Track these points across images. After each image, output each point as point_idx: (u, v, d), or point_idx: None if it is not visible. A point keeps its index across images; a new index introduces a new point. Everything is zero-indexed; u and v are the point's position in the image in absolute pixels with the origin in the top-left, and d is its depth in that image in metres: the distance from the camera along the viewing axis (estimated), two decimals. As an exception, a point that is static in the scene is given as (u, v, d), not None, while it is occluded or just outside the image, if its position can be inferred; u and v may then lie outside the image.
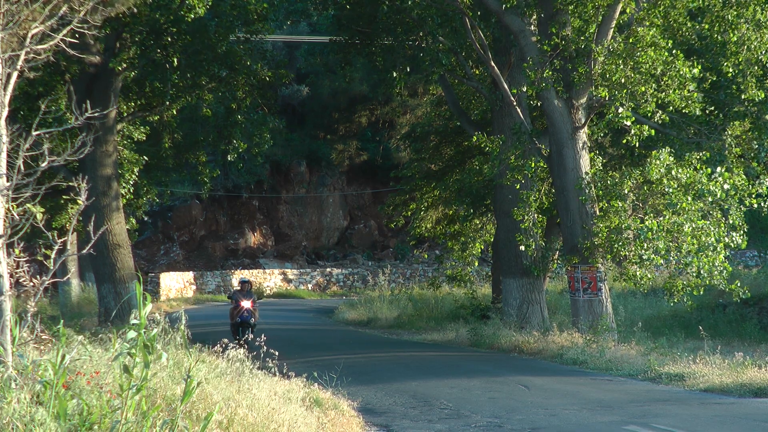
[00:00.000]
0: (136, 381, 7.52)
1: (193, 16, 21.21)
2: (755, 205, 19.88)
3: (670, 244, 19.28)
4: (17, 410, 7.25)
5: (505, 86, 21.68)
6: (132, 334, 7.45)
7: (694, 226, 19.17)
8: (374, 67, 27.36)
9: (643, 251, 19.12)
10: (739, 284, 19.66)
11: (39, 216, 8.21)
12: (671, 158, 19.82)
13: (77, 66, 21.49)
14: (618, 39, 19.60)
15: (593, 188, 20.24)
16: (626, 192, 19.84)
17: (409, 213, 32.05)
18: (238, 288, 21.67)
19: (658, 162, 19.64)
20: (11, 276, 8.29)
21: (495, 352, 21.09)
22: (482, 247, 30.37)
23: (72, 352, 8.17)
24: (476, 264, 31.05)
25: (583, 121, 20.48)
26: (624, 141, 20.96)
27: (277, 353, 11.45)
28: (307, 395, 11.89)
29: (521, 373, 16.69)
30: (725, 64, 20.16)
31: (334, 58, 27.40)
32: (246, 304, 20.82)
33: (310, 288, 49.88)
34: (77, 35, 10.38)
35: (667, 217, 19.36)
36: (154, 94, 24.73)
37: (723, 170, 19.71)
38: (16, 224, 8.26)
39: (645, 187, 20.27)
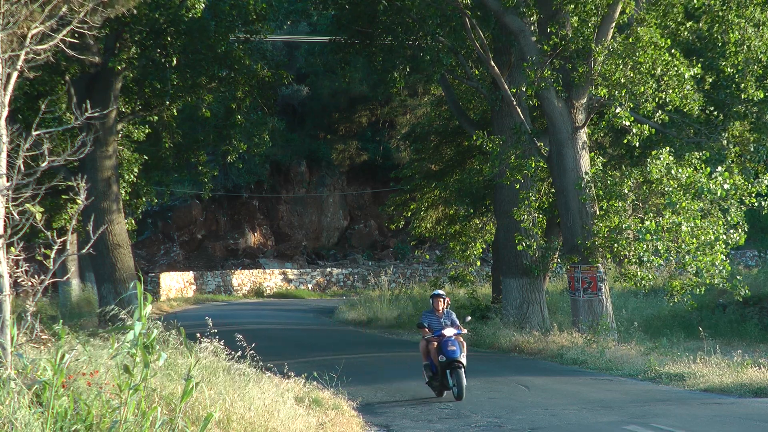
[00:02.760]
0: (135, 381, 7.52)
1: (191, 15, 21.19)
2: (755, 205, 19.89)
3: (670, 243, 19.28)
4: (16, 411, 7.24)
5: (505, 86, 21.67)
6: (131, 334, 7.46)
7: (692, 225, 19.18)
8: (374, 67, 27.35)
9: (642, 252, 19.13)
10: (740, 280, 19.67)
11: (38, 216, 8.20)
12: (671, 158, 19.82)
13: (77, 66, 21.47)
14: (618, 39, 19.60)
15: (593, 188, 20.24)
16: (626, 192, 19.84)
17: (410, 213, 32.03)
18: (430, 309, 14.72)
19: (658, 162, 19.64)
20: (10, 276, 8.29)
21: (495, 352, 21.09)
22: (483, 247, 30.36)
23: (72, 352, 8.17)
24: (478, 264, 31.05)
25: (583, 121, 20.48)
26: (624, 141, 20.96)
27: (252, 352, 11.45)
28: (307, 395, 11.90)
29: (521, 373, 16.68)
30: (724, 63, 20.16)
31: (334, 58, 27.37)
32: (449, 331, 13.97)
33: (310, 288, 49.88)
34: (77, 35, 10.38)
35: (667, 216, 19.37)
36: (153, 94, 24.72)
37: (723, 170, 19.73)
38: (16, 224, 8.26)
39: (645, 187, 20.27)
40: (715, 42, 20.33)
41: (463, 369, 13.65)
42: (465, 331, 14.37)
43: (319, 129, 54.77)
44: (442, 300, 14.53)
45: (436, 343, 13.91)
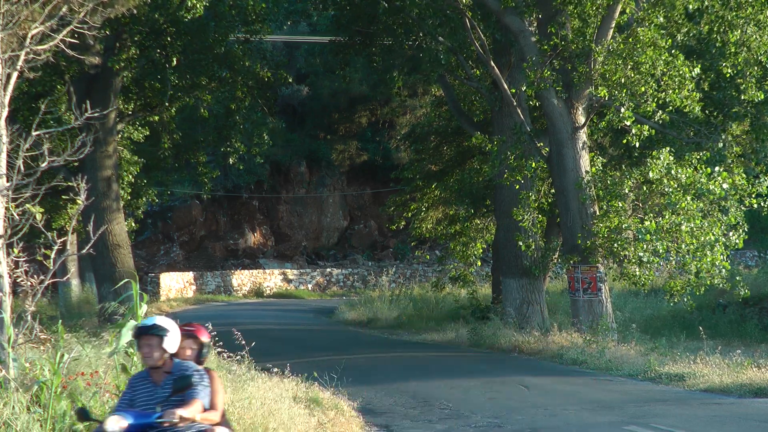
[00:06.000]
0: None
1: (191, 16, 21.20)
2: (755, 205, 19.90)
3: (670, 244, 19.29)
4: (15, 412, 7.24)
5: (505, 86, 21.67)
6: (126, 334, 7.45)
7: (692, 225, 19.19)
8: (374, 67, 27.34)
9: (642, 252, 19.13)
10: (740, 280, 19.67)
11: (38, 216, 8.21)
12: (671, 158, 19.82)
13: (77, 66, 21.47)
14: (618, 39, 19.59)
15: (593, 188, 20.24)
16: (626, 192, 19.84)
17: (410, 213, 32.02)
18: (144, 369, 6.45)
19: (658, 162, 19.64)
20: (10, 276, 8.29)
21: (495, 352, 21.09)
22: (483, 248, 30.35)
23: (71, 353, 8.16)
24: (478, 264, 31.03)
25: (583, 121, 20.48)
26: (624, 141, 20.96)
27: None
28: (307, 395, 11.90)
29: (521, 373, 16.68)
30: (724, 64, 20.16)
31: (334, 58, 27.37)
32: (114, 424, 5.92)
33: (310, 288, 49.87)
34: (77, 35, 10.38)
35: (667, 217, 19.37)
36: (153, 95, 24.73)
37: (721, 170, 19.76)
38: (16, 224, 8.26)
39: (645, 187, 20.27)
40: (715, 42, 20.33)
41: None
42: (194, 411, 6.26)
43: (319, 129, 54.76)
44: (153, 341, 6.31)
45: None
